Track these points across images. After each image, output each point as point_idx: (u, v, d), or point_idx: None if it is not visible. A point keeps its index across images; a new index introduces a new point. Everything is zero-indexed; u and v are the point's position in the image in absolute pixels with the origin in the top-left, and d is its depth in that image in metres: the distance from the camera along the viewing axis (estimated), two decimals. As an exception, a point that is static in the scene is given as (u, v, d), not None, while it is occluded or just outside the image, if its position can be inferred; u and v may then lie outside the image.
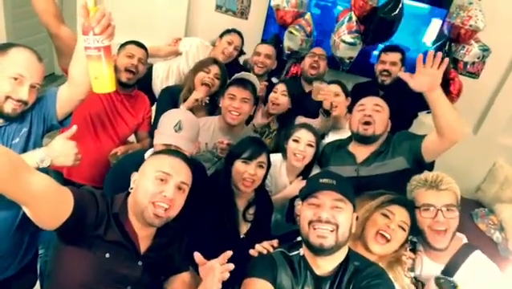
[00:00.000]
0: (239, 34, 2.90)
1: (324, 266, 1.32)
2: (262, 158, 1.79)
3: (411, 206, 1.61)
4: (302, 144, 2.05)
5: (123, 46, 2.36)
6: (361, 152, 2.09)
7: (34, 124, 1.62)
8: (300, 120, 2.51)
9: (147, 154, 1.80)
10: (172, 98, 2.39)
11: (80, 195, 1.25)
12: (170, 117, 1.73)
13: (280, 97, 2.49)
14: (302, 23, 3.12)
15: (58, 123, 1.68)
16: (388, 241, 1.51)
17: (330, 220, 1.27)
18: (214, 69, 2.43)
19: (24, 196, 1.07)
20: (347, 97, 2.59)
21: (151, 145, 2.31)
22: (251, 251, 1.49)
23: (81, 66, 1.43)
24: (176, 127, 1.67)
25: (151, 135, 2.34)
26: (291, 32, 3.10)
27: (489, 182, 3.98)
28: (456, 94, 3.23)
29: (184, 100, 2.38)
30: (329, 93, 2.32)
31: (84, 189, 1.34)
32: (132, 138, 2.57)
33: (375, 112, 2.02)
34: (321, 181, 1.34)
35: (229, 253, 1.28)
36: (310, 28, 3.14)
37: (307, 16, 3.14)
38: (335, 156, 2.17)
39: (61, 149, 1.48)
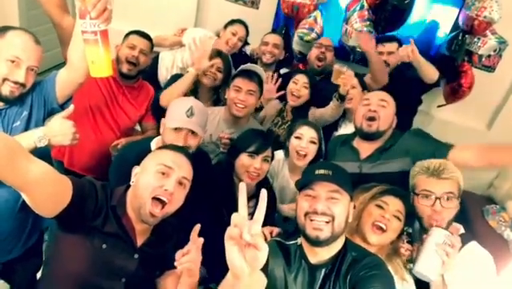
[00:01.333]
0: (244, 24, 2.86)
1: (321, 255, 1.32)
2: (268, 152, 1.78)
3: (405, 196, 1.60)
4: (304, 140, 2.00)
5: (126, 36, 2.32)
6: (365, 148, 2.03)
7: (34, 108, 1.64)
8: (313, 111, 2.47)
9: (153, 142, 1.81)
10: None
11: (80, 184, 1.25)
12: (181, 104, 1.75)
13: (302, 89, 2.43)
14: (312, 24, 3.04)
15: (59, 106, 1.69)
16: (384, 231, 1.51)
17: (325, 212, 1.27)
18: (217, 62, 2.41)
19: (21, 182, 1.07)
20: (364, 90, 2.53)
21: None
22: None
23: (79, 49, 1.43)
24: (188, 112, 1.69)
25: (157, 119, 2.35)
26: (308, 41, 3.03)
27: (502, 178, 3.90)
28: (467, 87, 3.16)
29: (193, 90, 2.35)
30: (350, 77, 2.25)
31: (85, 179, 1.34)
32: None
33: (380, 108, 1.96)
34: (317, 172, 1.33)
35: (198, 226, 1.29)
36: (320, 27, 3.06)
37: (317, 14, 3.05)
38: (339, 152, 2.12)
39: (59, 128, 1.48)
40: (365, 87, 2.54)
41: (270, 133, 1.91)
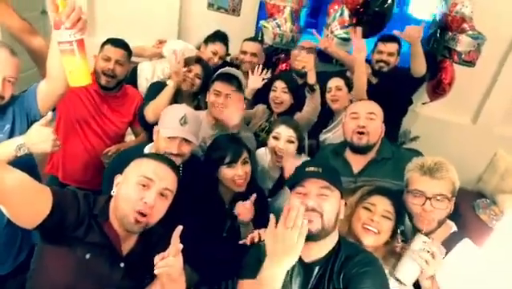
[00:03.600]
0: (224, 41, 2.84)
1: (314, 253, 1.31)
2: (244, 154, 1.77)
3: (392, 194, 1.59)
4: (281, 141, 2.00)
5: (102, 46, 2.28)
6: (357, 161, 2.01)
7: (17, 120, 1.64)
8: (297, 115, 2.47)
9: (146, 149, 1.82)
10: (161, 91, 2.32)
11: (61, 195, 1.24)
12: (174, 112, 1.75)
13: (282, 95, 2.44)
14: (279, 18, 3.08)
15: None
16: (375, 233, 1.50)
17: (315, 208, 1.27)
18: (196, 69, 2.40)
19: None
20: (350, 91, 2.53)
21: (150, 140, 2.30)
22: (248, 239, 1.51)
23: (57, 60, 1.41)
24: (181, 121, 1.69)
25: (145, 128, 2.35)
26: (264, 26, 3.08)
27: (491, 173, 3.96)
28: (447, 83, 3.20)
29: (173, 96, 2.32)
30: (306, 59, 2.24)
31: (67, 189, 1.34)
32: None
33: (369, 121, 1.95)
34: (307, 169, 1.33)
35: (180, 228, 1.26)
36: (287, 24, 3.07)
37: (286, 13, 3.08)
38: (333, 164, 2.02)
39: (38, 136, 1.45)
40: (351, 89, 2.54)
41: (237, 136, 1.90)
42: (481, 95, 3.80)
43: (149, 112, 2.16)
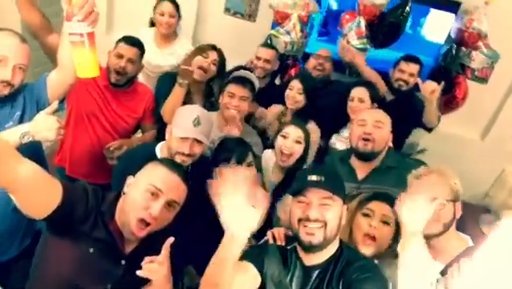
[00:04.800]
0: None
1: (315, 258, 1.34)
2: (250, 158, 1.81)
3: (391, 200, 1.58)
4: (289, 140, 2.00)
5: (116, 43, 2.28)
6: (362, 168, 2.04)
7: (27, 108, 1.66)
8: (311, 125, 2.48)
9: (158, 147, 1.86)
10: (172, 82, 2.33)
11: (71, 188, 1.26)
12: (188, 112, 1.78)
13: (297, 96, 2.47)
14: (288, 26, 3.12)
15: None
16: (374, 242, 1.51)
17: (318, 218, 1.28)
18: (213, 55, 2.44)
19: (9, 182, 1.08)
20: (374, 102, 2.47)
21: (158, 138, 2.33)
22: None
23: (68, 50, 1.43)
24: (194, 122, 1.72)
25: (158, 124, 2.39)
26: (274, 35, 3.13)
27: (498, 189, 3.94)
28: (461, 98, 3.20)
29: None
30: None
31: (78, 183, 1.34)
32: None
33: (375, 129, 1.98)
34: (309, 178, 1.32)
35: (172, 239, 1.27)
36: (297, 31, 3.11)
37: (294, 19, 3.12)
38: (338, 170, 2.06)
39: (43, 124, 1.46)
40: (374, 101, 2.49)
41: (242, 140, 1.94)
42: (492, 110, 3.78)
43: (166, 114, 2.20)
